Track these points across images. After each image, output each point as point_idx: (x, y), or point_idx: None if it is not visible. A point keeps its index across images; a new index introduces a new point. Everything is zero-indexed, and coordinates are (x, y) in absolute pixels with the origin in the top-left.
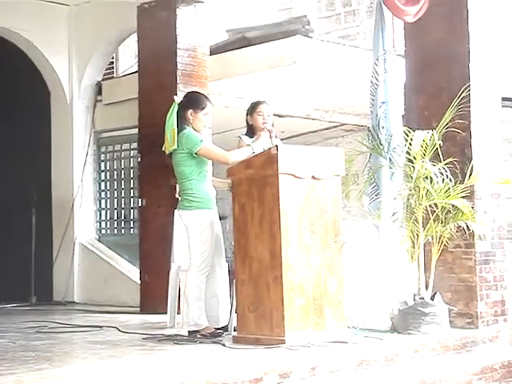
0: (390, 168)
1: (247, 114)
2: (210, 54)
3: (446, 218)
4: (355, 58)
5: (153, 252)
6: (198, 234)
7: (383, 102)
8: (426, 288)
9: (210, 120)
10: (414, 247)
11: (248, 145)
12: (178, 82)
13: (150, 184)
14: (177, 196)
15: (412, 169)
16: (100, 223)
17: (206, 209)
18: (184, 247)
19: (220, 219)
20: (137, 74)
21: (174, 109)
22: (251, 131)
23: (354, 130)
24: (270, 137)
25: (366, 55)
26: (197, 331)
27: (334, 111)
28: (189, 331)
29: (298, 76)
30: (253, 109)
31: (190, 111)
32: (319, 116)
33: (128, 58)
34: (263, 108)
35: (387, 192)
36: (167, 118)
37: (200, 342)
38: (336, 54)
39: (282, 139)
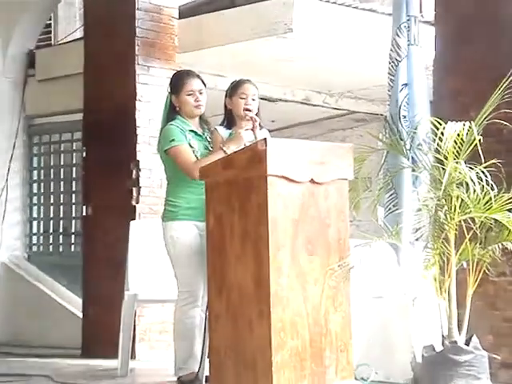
0: (413, 171)
1: (226, 96)
2: (180, 17)
3: (486, 238)
4: (370, 26)
5: (100, 276)
6: (173, 251)
7: (405, 84)
8: (460, 329)
9: (205, 97)
10: (443, 275)
11: (221, 147)
12: (136, 52)
13: (98, 187)
14: (133, 203)
15: (442, 172)
16: (30, 237)
17: (184, 220)
18: (142, 270)
19: None
20: (82, 42)
21: (167, 102)
22: (230, 120)
23: (366, 120)
24: (254, 128)
25: (384, 22)
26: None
27: (341, 95)
28: (177, 378)
29: (295, 48)
30: (233, 90)
31: (173, 97)
32: (321, 101)
33: (71, 20)
34: (246, 89)
35: (409, 202)
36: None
37: None
38: (345, 20)
39: (270, 131)
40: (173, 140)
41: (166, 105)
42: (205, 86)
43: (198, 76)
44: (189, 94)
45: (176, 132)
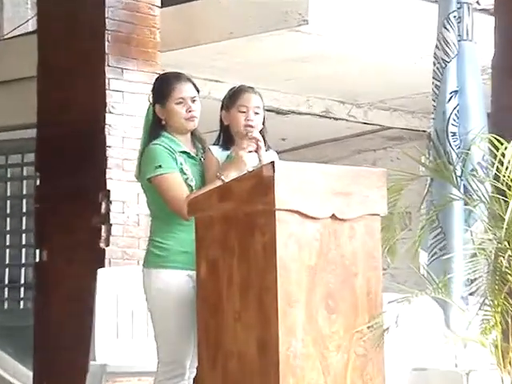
0: (466, 204)
1: (222, 109)
2: (163, 5)
3: None
4: (409, 16)
5: (57, 341)
6: (158, 309)
7: (455, 92)
8: None
9: (199, 108)
10: (506, 341)
11: (218, 176)
12: (106, 51)
13: (56, 224)
14: (101, 245)
15: (504, 205)
16: None
17: (175, 268)
18: (113, 333)
19: None
20: (35, 37)
21: (149, 115)
22: (227, 138)
23: (403, 139)
24: (258, 149)
25: (427, 11)
26: None
27: (371, 106)
28: None
29: (311, 45)
30: (231, 100)
31: (157, 107)
32: (345, 113)
33: (20, 8)
34: (248, 99)
35: (460, 244)
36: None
37: None
38: (376, 9)
39: (279, 152)
40: (159, 166)
41: (148, 117)
42: (198, 92)
43: (190, 80)
44: (178, 103)
45: (163, 155)
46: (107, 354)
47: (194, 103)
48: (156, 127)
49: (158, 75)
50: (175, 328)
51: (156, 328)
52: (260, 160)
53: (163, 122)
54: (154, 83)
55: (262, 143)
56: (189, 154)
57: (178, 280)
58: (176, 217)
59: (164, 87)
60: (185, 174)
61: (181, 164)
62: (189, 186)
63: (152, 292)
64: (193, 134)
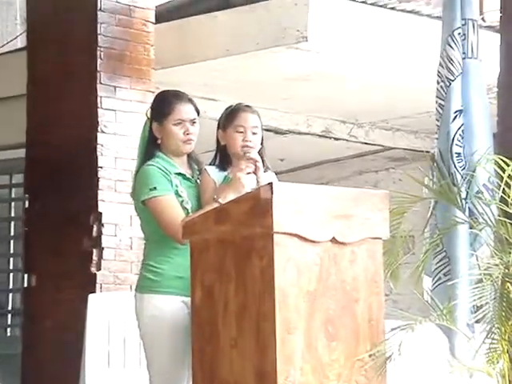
0: (471, 228)
1: (218, 128)
2: (158, 21)
3: None
4: (412, 33)
5: (46, 370)
6: (150, 336)
7: (460, 111)
8: None
9: (197, 129)
10: None
11: (215, 199)
12: (98, 68)
13: (45, 248)
14: (93, 270)
15: (511, 229)
16: None
17: (169, 293)
18: (104, 362)
19: None
20: (24, 53)
21: (145, 130)
22: (223, 158)
23: (406, 159)
24: (256, 171)
25: (431, 27)
26: None
27: (373, 125)
28: None
29: (311, 63)
30: (227, 120)
31: (155, 125)
32: (346, 133)
33: (9, 24)
34: (245, 119)
35: (465, 269)
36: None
37: None
38: (378, 25)
39: (278, 173)
40: (154, 188)
41: (144, 135)
42: (198, 113)
43: (191, 100)
44: (177, 124)
45: (158, 176)
46: (98, 383)
47: (193, 125)
48: (151, 146)
49: (154, 92)
50: (168, 356)
51: (148, 356)
52: (258, 182)
53: (159, 141)
54: (154, 100)
55: (260, 164)
56: (184, 175)
57: (172, 306)
58: (171, 240)
59: (164, 106)
60: (180, 196)
61: (176, 186)
62: (184, 208)
63: (144, 319)
64: (189, 155)
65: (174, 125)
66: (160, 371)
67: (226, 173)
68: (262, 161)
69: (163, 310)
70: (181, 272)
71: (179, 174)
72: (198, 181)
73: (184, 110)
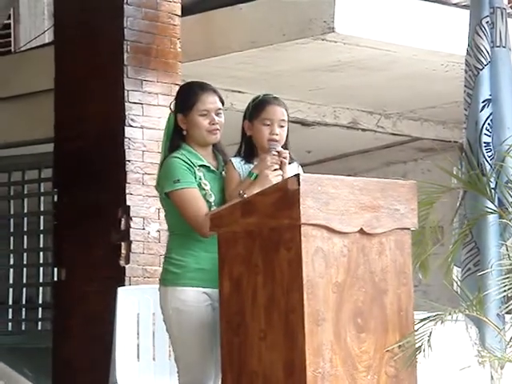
0: (501, 217)
1: (244, 119)
2: (184, 15)
3: None
4: (439, 22)
5: (77, 363)
6: (175, 328)
7: (488, 100)
8: None
9: (223, 119)
10: None
11: (240, 194)
12: (125, 62)
13: (74, 242)
14: (121, 263)
15: None
16: None
17: (192, 285)
18: (134, 355)
19: None
20: (52, 48)
21: (170, 123)
22: (249, 149)
23: (434, 150)
24: (282, 165)
25: (458, 16)
26: None
27: (401, 116)
28: None
29: (338, 54)
30: (254, 112)
31: (180, 117)
32: (374, 124)
33: (37, 19)
34: (272, 112)
35: (495, 259)
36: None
37: None
38: (405, 15)
39: (305, 165)
40: (177, 181)
41: (169, 127)
42: (223, 104)
43: (216, 91)
44: (202, 115)
45: (182, 169)
46: (128, 376)
47: (218, 116)
48: (176, 137)
49: (180, 85)
50: (194, 348)
51: (175, 349)
52: (283, 176)
53: (184, 133)
54: (178, 91)
55: (286, 158)
56: (209, 167)
57: (194, 297)
58: (194, 233)
59: (189, 97)
60: (203, 189)
61: (200, 178)
62: (207, 201)
63: (169, 311)
64: (215, 146)
65: (200, 115)
66: (187, 363)
67: (251, 164)
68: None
69: (186, 302)
70: (202, 264)
71: (203, 166)
72: (223, 173)
73: (209, 101)
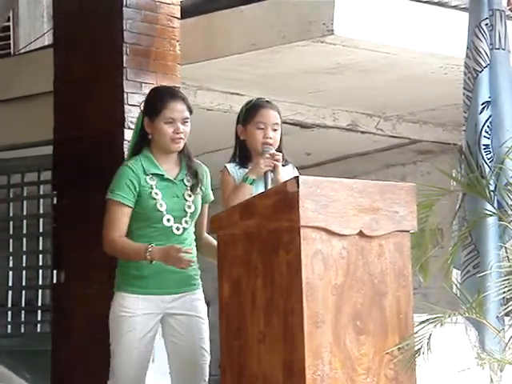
0: (500, 220)
1: (237, 123)
2: (183, 17)
3: None
4: (438, 24)
5: (76, 367)
6: (110, 332)
7: (487, 103)
8: None
9: (188, 129)
10: None
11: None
12: (124, 64)
13: (74, 244)
14: None
15: None
16: None
17: (130, 292)
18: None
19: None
20: (51, 51)
21: (139, 123)
22: (243, 154)
23: (434, 152)
24: (275, 168)
25: (457, 19)
26: None
27: (400, 118)
28: None
29: (337, 56)
30: (247, 115)
31: (146, 120)
32: (373, 126)
33: (36, 21)
34: (265, 115)
35: (494, 262)
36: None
37: None
38: (404, 18)
39: (303, 168)
40: (112, 190)
41: (137, 129)
42: (191, 113)
43: (185, 99)
44: (168, 122)
45: (123, 181)
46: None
47: (184, 125)
48: (140, 140)
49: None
50: (122, 355)
51: (111, 350)
52: (275, 179)
53: (149, 137)
54: (148, 95)
55: (279, 161)
56: (162, 176)
57: (132, 304)
58: (140, 240)
59: (156, 102)
60: (154, 198)
61: (151, 187)
62: (158, 211)
63: (110, 315)
64: (181, 152)
65: (165, 123)
66: (113, 367)
67: (246, 169)
68: (282, 155)
69: (124, 308)
70: (143, 271)
71: (157, 174)
72: (188, 178)
73: (177, 109)
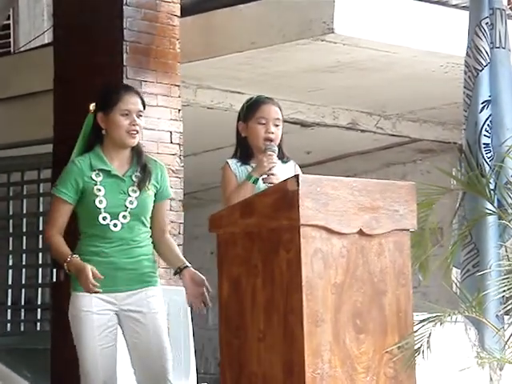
0: (500, 218)
1: (239, 120)
2: (183, 15)
3: None
4: (439, 23)
5: (76, 364)
6: (74, 336)
7: (487, 101)
8: None
9: (143, 123)
10: None
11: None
12: (124, 63)
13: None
14: None
15: None
16: None
17: (78, 291)
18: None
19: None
20: (51, 49)
21: (88, 124)
22: (245, 151)
23: (434, 151)
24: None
25: (458, 17)
26: None
27: (400, 117)
28: None
29: (337, 55)
30: (249, 112)
31: (100, 115)
32: (373, 125)
33: (36, 19)
34: (267, 111)
35: (494, 261)
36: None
37: None
38: (405, 16)
39: (305, 166)
40: (56, 185)
41: (86, 129)
42: (144, 108)
43: (138, 94)
44: (123, 114)
45: (67, 176)
46: (128, 377)
47: (139, 118)
48: (92, 138)
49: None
50: (83, 354)
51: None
52: (278, 173)
53: (103, 132)
54: (101, 91)
55: (274, 154)
56: (109, 172)
57: (85, 303)
58: (90, 239)
59: (111, 96)
60: (95, 194)
61: (95, 184)
62: (96, 208)
63: (68, 316)
64: (134, 148)
65: (121, 115)
66: (81, 366)
67: (247, 166)
68: (282, 151)
69: (78, 308)
70: (97, 269)
71: (104, 170)
72: (137, 174)
73: (131, 101)
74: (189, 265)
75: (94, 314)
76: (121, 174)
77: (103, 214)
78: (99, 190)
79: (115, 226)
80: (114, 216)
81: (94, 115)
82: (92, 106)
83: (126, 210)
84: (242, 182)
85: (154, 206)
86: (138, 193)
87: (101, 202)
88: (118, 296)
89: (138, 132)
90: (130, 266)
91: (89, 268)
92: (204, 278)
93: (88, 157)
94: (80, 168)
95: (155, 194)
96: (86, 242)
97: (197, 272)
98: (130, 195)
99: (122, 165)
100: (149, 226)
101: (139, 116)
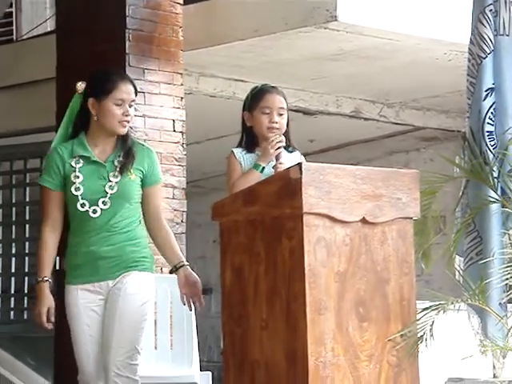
0: (504, 206)
1: (244, 110)
2: (186, 3)
3: None
4: (442, 11)
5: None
6: (68, 321)
7: (491, 89)
8: None
9: (133, 112)
10: None
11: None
12: (126, 51)
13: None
14: None
15: None
16: None
17: (71, 284)
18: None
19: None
20: (54, 37)
21: (74, 106)
22: (250, 139)
23: (437, 139)
24: (277, 155)
25: (462, 4)
26: None
27: (404, 105)
28: None
29: (341, 42)
30: (253, 101)
31: (91, 101)
32: (376, 114)
33: (39, 7)
34: (271, 100)
35: (497, 249)
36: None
37: None
38: (408, 3)
39: (308, 154)
40: (40, 175)
41: (72, 112)
42: (136, 95)
43: (132, 82)
44: (117, 104)
45: (50, 164)
46: (146, 365)
47: (131, 108)
48: (79, 123)
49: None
50: (77, 346)
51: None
52: (280, 161)
53: (95, 118)
54: (95, 76)
55: (281, 145)
56: (89, 158)
57: (73, 296)
58: (76, 230)
59: (106, 83)
60: (73, 182)
61: (74, 170)
62: (73, 195)
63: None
64: (121, 136)
65: (115, 104)
66: (80, 357)
67: (252, 154)
68: (289, 140)
69: (68, 301)
70: (79, 260)
71: (84, 156)
72: (120, 159)
73: (126, 90)
74: (185, 263)
75: (82, 306)
76: (102, 160)
77: (81, 201)
78: (77, 177)
79: (94, 212)
80: (93, 202)
81: (84, 98)
82: (79, 86)
83: (105, 196)
84: (248, 170)
85: (143, 192)
86: (119, 178)
87: (77, 189)
88: (103, 285)
89: (129, 122)
90: (111, 254)
91: (46, 306)
92: (199, 279)
93: (71, 143)
94: (61, 155)
95: (143, 179)
96: (72, 233)
97: (192, 272)
98: (110, 180)
99: (105, 150)
100: (137, 211)
101: (131, 106)
